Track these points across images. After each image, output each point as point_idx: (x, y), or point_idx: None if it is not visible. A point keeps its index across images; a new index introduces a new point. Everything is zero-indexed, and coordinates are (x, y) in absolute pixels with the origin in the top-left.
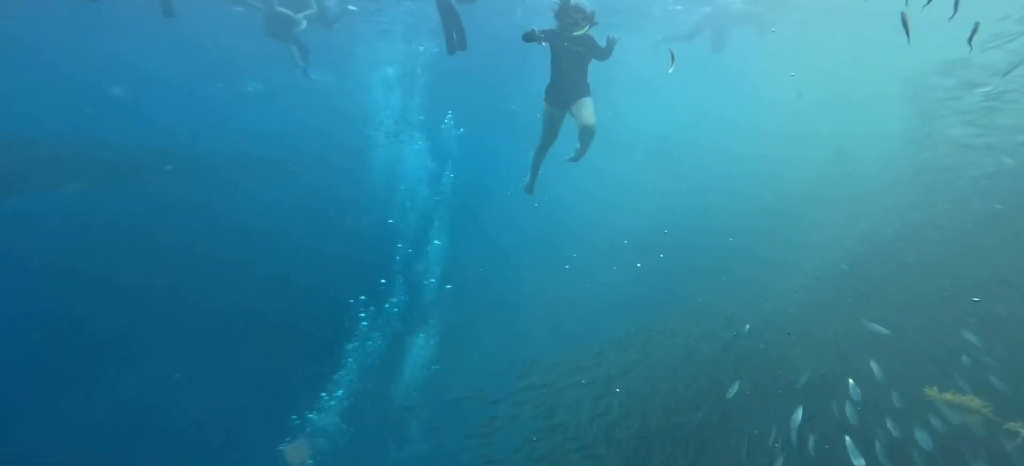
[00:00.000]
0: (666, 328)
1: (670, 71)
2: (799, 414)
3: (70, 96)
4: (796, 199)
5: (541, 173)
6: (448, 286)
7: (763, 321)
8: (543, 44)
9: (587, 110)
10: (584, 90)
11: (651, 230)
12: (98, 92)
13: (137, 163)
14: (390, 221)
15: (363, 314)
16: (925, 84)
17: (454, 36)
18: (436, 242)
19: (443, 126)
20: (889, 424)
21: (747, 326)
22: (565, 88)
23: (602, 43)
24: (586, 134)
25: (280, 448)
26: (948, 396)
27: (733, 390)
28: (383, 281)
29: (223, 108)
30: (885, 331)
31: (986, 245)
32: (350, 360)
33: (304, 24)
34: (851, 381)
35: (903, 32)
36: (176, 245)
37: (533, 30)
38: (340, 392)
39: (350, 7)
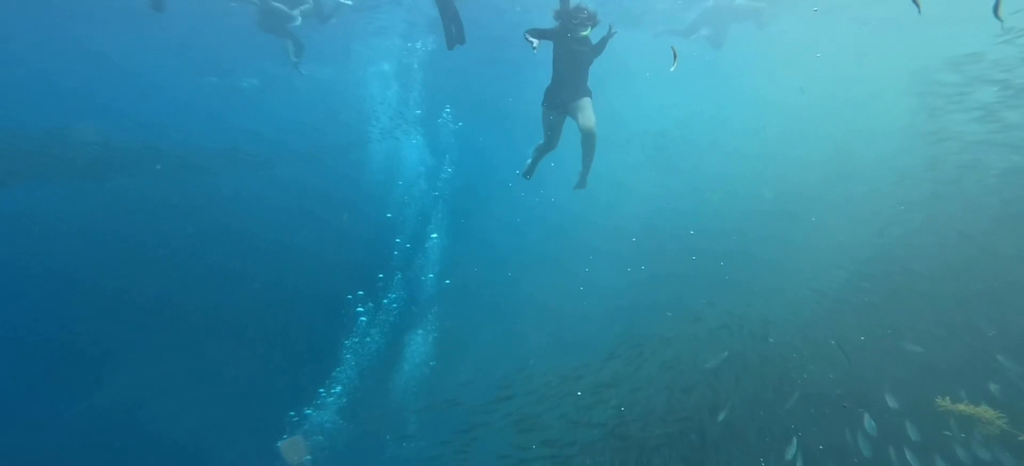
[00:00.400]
0: (663, 336)
1: (673, 69)
2: (793, 447)
3: (53, 89)
4: (799, 199)
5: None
6: (447, 281)
7: (766, 329)
8: (535, 49)
9: (587, 112)
10: (584, 91)
11: (652, 233)
12: (84, 86)
13: (124, 159)
14: (388, 215)
15: (361, 308)
16: (932, 80)
17: (453, 30)
18: (433, 237)
19: (440, 121)
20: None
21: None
22: (564, 90)
23: (600, 41)
24: (588, 142)
25: (277, 444)
26: (961, 407)
27: (721, 416)
28: (380, 276)
29: (216, 104)
30: (920, 350)
31: (1000, 249)
32: (347, 357)
33: (299, 20)
34: (867, 416)
35: (905, 26)
36: (169, 243)
37: (529, 35)
38: (337, 389)
39: (345, 1)
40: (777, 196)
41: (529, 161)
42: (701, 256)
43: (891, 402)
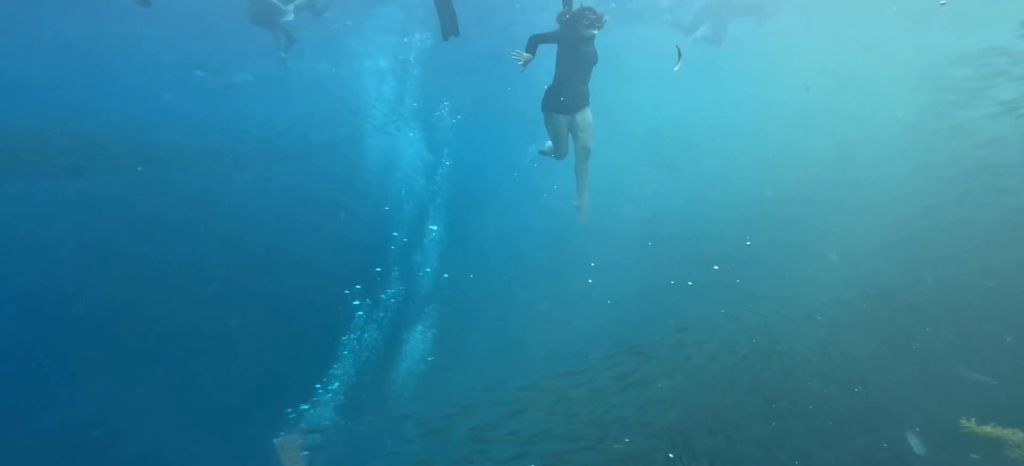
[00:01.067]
0: (655, 353)
1: (677, 68)
2: None
3: (33, 83)
4: (804, 204)
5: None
6: (445, 275)
7: (771, 341)
8: (522, 68)
9: (587, 130)
10: (584, 95)
11: (650, 236)
12: (65, 80)
13: (109, 157)
14: (386, 209)
15: (357, 301)
16: (945, 75)
17: (448, 21)
18: (432, 229)
19: (437, 115)
20: None
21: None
22: (565, 93)
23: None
24: (582, 159)
25: (273, 442)
26: (987, 429)
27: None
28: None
29: (207, 100)
30: (991, 381)
31: (1020, 255)
32: (345, 354)
33: (292, 15)
34: None
35: (914, 20)
36: (160, 241)
37: (527, 48)
38: (335, 385)
39: None
40: (780, 198)
41: (545, 147)
42: (701, 261)
43: (915, 446)
